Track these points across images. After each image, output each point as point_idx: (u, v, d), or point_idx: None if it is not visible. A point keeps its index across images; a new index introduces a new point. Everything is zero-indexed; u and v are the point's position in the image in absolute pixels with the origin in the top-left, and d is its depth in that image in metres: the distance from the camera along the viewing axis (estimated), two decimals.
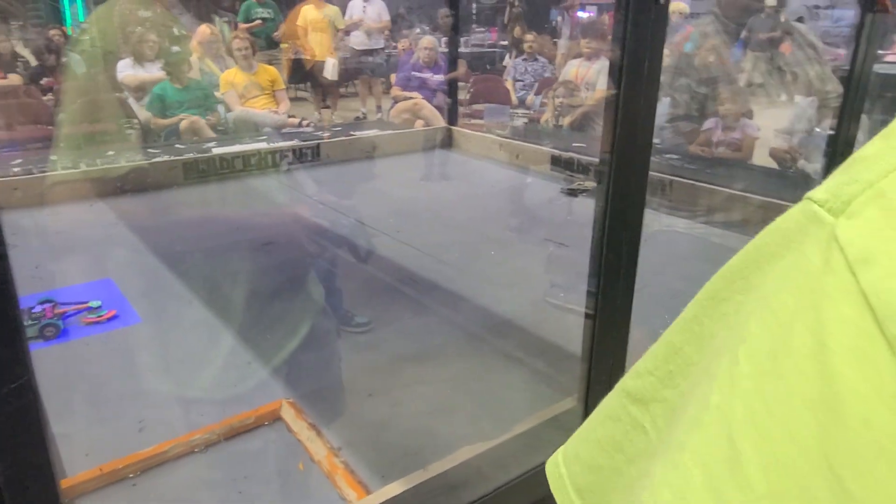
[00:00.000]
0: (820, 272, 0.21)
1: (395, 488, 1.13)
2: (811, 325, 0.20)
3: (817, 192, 0.23)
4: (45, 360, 1.87)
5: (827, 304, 0.20)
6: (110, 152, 3.88)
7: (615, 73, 1.09)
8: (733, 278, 0.26)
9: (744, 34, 4.45)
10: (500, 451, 1.27)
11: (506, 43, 10.19)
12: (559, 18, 8.48)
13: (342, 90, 8.00)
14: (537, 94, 6.09)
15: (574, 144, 4.10)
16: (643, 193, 1.22)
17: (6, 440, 0.68)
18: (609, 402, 0.33)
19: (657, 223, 3.32)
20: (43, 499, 0.72)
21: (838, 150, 1.77)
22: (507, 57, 7.16)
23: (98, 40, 3.73)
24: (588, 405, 1.33)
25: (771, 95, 4.35)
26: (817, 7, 6.46)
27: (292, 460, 1.43)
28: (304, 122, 5.18)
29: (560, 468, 0.34)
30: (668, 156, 3.94)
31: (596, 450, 0.32)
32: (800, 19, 5.15)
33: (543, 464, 1.11)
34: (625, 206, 1.19)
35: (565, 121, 4.93)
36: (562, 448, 0.35)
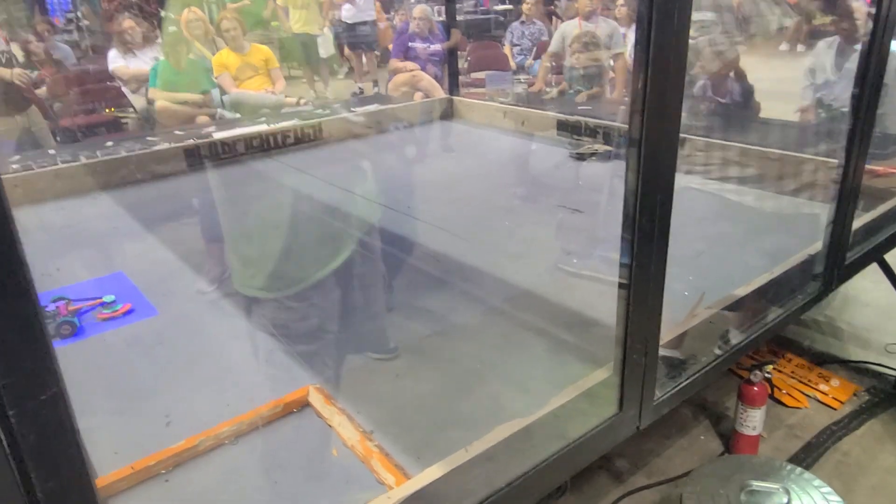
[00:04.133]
0: None
1: (435, 471, 1.11)
2: None
3: None
4: (64, 359, 1.83)
5: None
6: (109, 143, 3.82)
7: (643, 26, 1.03)
8: None
9: None
10: (538, 426, 1.24)
11: (500, 8, 10.00)
12: None
13: (337, 68, 7.86)
14: (536, 58, 5.98)
15: (580, 108, 4.02)
16: (675, 153, 1.17)
17: (42, 454, 0.65)
18: None
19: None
20: None
21: (865, 94, 1.70)
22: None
23: None
24: (625, 375, 1.30)
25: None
26: None
27: (325, 446, 1.40)
28: (303, 101, 5.09)
29: None
30: None
31: None
32: None
33: (582, 437, 1.07)
34: (657, 167, 1.14)
35: (579, 97, 4.81)
36: None
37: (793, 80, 4.09)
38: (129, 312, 2.06)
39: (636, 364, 1.29)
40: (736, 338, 1.67)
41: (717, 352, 1.60)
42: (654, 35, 1.03)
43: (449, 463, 1.12)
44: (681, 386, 1.49)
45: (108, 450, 1.43)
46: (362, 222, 2.12)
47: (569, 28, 5.34)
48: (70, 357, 1.87)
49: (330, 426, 1.44)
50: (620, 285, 1.22)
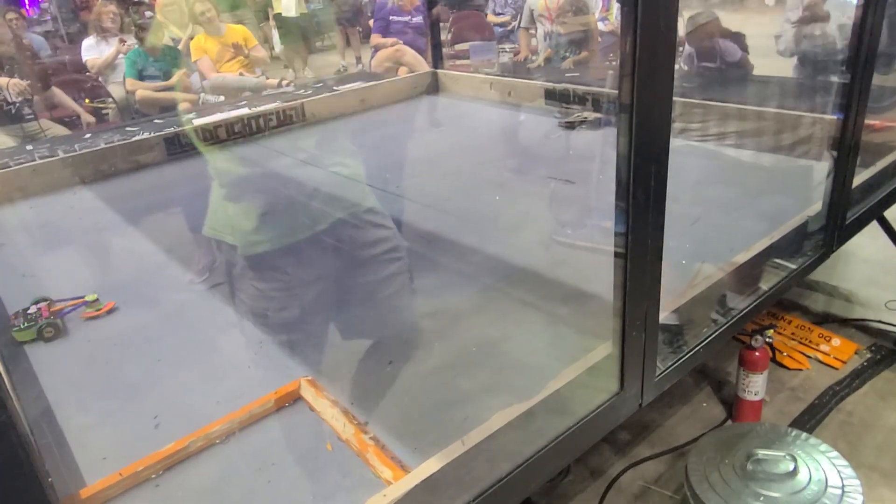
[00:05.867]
0: None
1: (433, 464, 1.07)
2: None
3: None
4: (48, 362, 1.79)
5: None
6: (87, 135, 3.72)
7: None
8: None
9: None
10: (538, 411, 1.20)
11: None
12: None
13: (318, 43, 7.71)
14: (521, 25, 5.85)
15: (567, 75, 3.93)
16: (668, 121, 1.10)
17: None
18: None
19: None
20: None
21: (862, 45, 1.64)
22: None
23: None
24: (625, 351, 1.25)
25: None
26: None
27: (319, 441, 1.36)
28: (285, 83, 4.97)
29: None
30: None
31: None
32: None
33: (584, 418, 1.02)
34: (651, 135, 1.08)
35: (565, 63, 4.71)
36: None
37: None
38: (112, 310, 2.01)
39: (636, 339, 1.24)
40: (737, 306, 1.63)
41: (720, 321, 1.55)
42: None
43: (448, 454, 1.08)
44: (682, 359, 1.45)
45: (97, 456, 1.39)
46: (349, 203, 2.06)
47: (534, 0, 5.22)
48: (54, 360, 1.81)
49: (323, 419, 1.40)
50: (616, 255, 1.17)
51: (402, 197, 2.83)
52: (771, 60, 3.99)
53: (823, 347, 2.86)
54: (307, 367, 1.60)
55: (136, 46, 4.60)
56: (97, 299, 2.02)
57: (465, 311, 1.93)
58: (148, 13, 5.29)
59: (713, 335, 1.52)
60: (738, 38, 3.84)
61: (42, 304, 1.96)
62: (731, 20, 4.35)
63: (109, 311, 2.00)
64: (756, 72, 3.96)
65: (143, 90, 4.58)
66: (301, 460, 1.32)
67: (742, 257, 1.68)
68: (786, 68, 3.87)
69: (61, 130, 4.38)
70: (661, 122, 1.10)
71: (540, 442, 1.17)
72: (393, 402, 1.51)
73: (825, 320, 3.08)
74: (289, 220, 1.79)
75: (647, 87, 1.04)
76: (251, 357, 1.69)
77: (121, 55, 4.81)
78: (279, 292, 1.61)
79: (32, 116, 4.08)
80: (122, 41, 4.70)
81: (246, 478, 1.29)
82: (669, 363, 1.42)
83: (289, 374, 1.57)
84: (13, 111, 3.95)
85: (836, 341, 2.87)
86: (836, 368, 2.76)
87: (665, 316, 1.41)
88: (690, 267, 1.76)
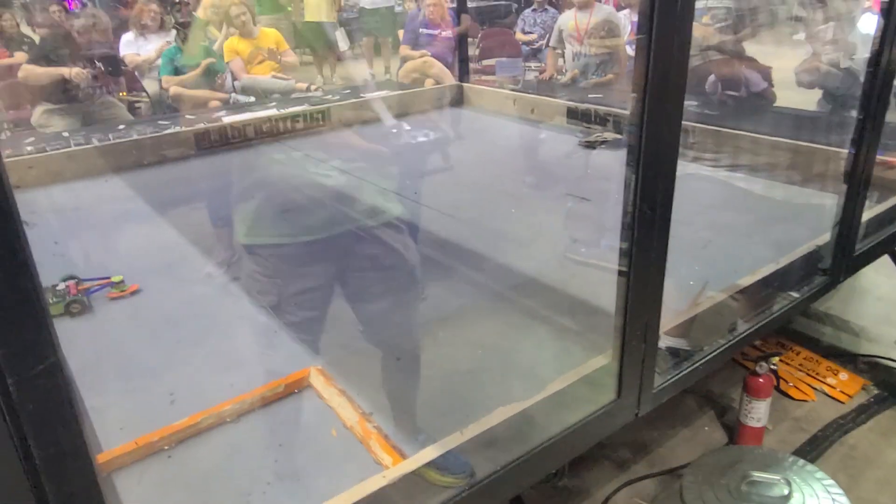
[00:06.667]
0: None
1: (430, 452, 1.12)
2: None
3: None
4: (74, 337, 1.88)
5: None
6: (121, 126, 3.85)
7: (647, 11, 1.02)
8: None
9: None
10: (536, 411, 1.25)
11: None
12: None
13: (349, 51, 7.85)
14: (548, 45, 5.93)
15: (590, 96, 3.99)
16: (677, 140, 1.16)
17: (40, 421, 0.67)
18: None
19: (682, 171, 3.24)
20: (80, 476, 0.70)
21: (877, 80, 1.68)
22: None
23: None
24: (623, 362, 1.30)
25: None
26: None
27: (325, 427, 1.42)
28: (313, 87, 5.10)
29: None
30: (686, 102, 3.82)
31: None
32: None
33: (580, 422, 1.07)
34: (658, 154, 1.14)
35: (586, 83, 4.77)
36: None
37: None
38: (137, 292, 2.09)
39: (635, 350, 1.29)
40: (739, 327, 1.66)
41: (720, 341, 1.59)
42: (656, 16, 1.03)
43: (444, 444, 1.14)
44: (681, 374, 1.48)
45: (115, 426, 1.46)
46: (366, 207, 2.12)
47: (564, 20, 5.30)
48: (79, 335, 1.90)
49: (330, 407, 1.46)
50: (620, 271, 1.22)
51: (420, 203, 2.90)
52: (797, 93, 4.03)
53: (830, 380, 2.87)
54: (318, 357, 1.66)
55: (174, 44, 4.74)
56: (122, 281, 2.11)
57: (473, 317, 1.99)
58: (185, 13, 5.46)
59: (712, 354, 1.56)
60: (763, 69, 3.88)
61: (70, 282, 2.05)
62: (759, 52, 4.39)
63: (133, 293, 2.08)
64: (779, 103, 3.99)
65: (177, 86, 4.72)
66: (307, 443, 1.38)
67: (746, 281, 1.72)
68: (810, 102, 3.90)
69: (122, 112, 4.56)
70: (669, 143, 1.16)
71: (535, 441, 1.22)
72: (397, 396, 1.56)
73: (834, 354, 3.08)
74: (310, 219, 1.84)
75: (657, 110, 1.10)
76: (265, 345, 1.75)
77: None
78: (302, 294, 1.64)
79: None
80: (168, 43, 4.85)
81: (253, 455, 1.35)
82: (668, 377, 1.46)
83: (301, 363, 1.63)
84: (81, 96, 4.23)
85: (844, 375, 2.87)
86: (842, 402, 2.76)
87: (666, 331, 1.45)
88: (696, 287, 1.80)
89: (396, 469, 1.11)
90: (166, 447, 1.37)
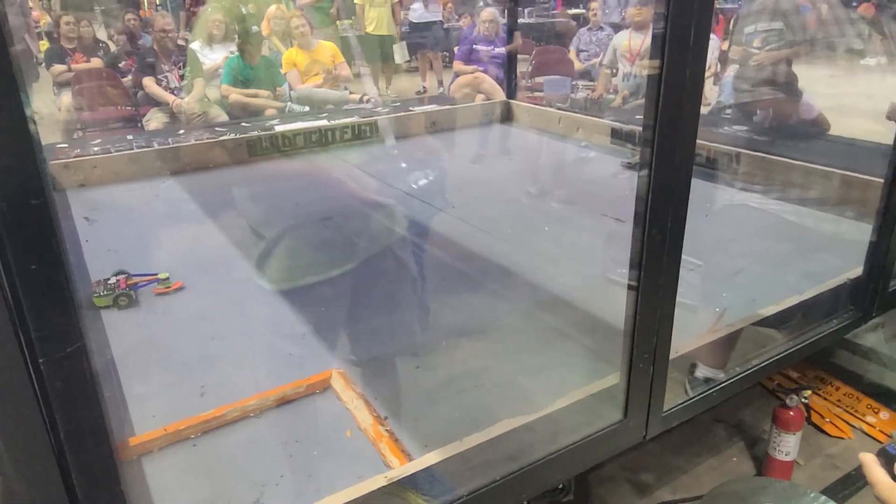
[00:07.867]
0: None
1: (432, 457, 1.17)
2: None
3: None
4: (120, 328, 2.01)
5: None
6: (181, 131, 4.06)
7: (658, 43, 1.06)
8: None
9: None
10: (540, 425, 1.28)
11: (572, 12, 9.90)
12: None
13: (404, 65, 8.02)
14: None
15: (636, 117, 3.98)
16: (690, 169, 1.18)
17: (65, 399, 0.75)
18: None
19: (727, 198, 3.19)
20: (97, 452, 0.78)
21: None
22: None
23: None
24: (630, 383, 1.32)
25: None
26: None
27: (340, 427, 1.49)
28: (365, 98, 5.25)
29: None
30: (736, 127, 3.77)
31: None
32: None
33: (583, 439, 1.11)
34: (669, 181, 1.16)
35: (630, 104, 4.76)
36: None
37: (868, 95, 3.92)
38: (181, 289, 2.22)
39: (643, 371, 1.31)
40: (758, 357, 1.65)
41: (736, 369, 1.58)
42: (668, 49, 1.06)
43: (447, 451, 1.18)
44: (694, 399, 1.49)
45: (149, 412, 1.56)
46: (407, 218, 2.19)
47: (619, 39, 5.30)
48: (126, 327, 2.03)
49: (347, 409, 1.53)
50: (629, 287, 1.24)
51: (457, 217, 2.96)
52: (861, 120, 3.90)
53: (870, 419, 2.77)
54: (341, 361, 1.74)
55: (236, 55, 4.97)
56: (168, 278, 2.24)
57: (500, 332, 2.02)
58: (254, 27, 5.71)
59: (728, 381, 1.55)
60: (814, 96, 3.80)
61: (121, 277, 2.19)
62: (814, 76, 4.29)
63: (178, 290, 2.21)
64: (840, 132, 3.88)
65: (236, 94, 4.95)
66: (322, 441, 1.45)
67: (770, 310, 1.71)
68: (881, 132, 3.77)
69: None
70: (682, 165, 1.18)
71: (537, 454, 1.25)
72: (413, 403, 1.62)
73: (877, 392, 2.97)
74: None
75: (670, 134, 1.13)
76: (293, 347, 1.84)
77: None
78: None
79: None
80: (232, 52, 5.10)
81: (271, 449, 1.43)
82: (679, 401, 1.47)
83: (324, 365, 1.71)
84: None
85: (885, 414, 2.77)
86: (881, 442, 2.66)
87: (679, 355, 1.46)
88: (722, 313, 1.79)
89: (398, 471, 1.16)
90: (192, 436, 1.46)
